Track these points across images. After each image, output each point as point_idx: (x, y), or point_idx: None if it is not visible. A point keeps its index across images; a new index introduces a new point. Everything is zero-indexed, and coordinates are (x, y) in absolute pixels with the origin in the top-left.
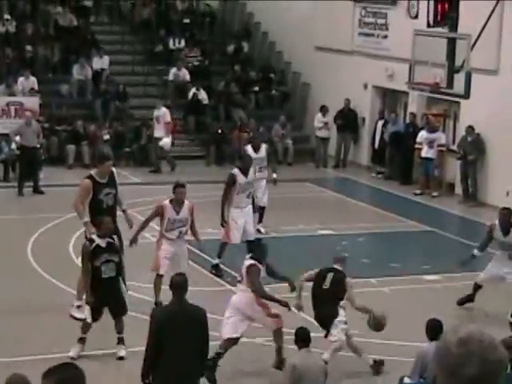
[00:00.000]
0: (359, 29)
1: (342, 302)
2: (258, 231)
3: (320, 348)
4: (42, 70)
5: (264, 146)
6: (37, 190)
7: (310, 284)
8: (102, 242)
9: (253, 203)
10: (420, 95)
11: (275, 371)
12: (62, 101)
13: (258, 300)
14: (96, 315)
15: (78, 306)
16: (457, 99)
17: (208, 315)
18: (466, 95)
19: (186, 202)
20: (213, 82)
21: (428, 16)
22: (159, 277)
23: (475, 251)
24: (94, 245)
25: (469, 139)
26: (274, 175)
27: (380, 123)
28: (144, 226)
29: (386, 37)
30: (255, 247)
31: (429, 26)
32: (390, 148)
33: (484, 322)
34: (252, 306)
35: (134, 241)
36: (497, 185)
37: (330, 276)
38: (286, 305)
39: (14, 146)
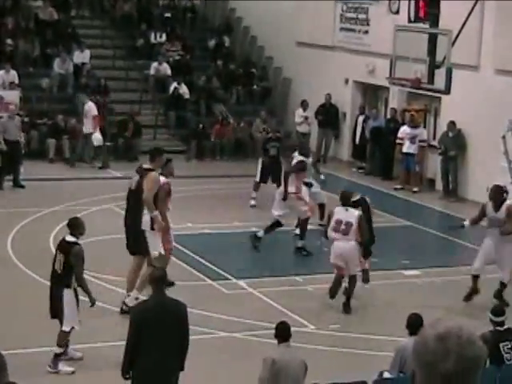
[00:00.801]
0: (340, 24)
1: None
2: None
3: (300, 343)
4: (22, 64)
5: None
6: (17, 184)
7: None
8: None
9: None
10: (401, 91)
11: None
12: (43, 95)
13: None
14: None
15: (136, 298)
16: (438, 95)
17: (189, 310)
18: (447, 91)
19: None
20: (194, 76)
21: (409, 11)
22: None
23: (466, 222)
24: None
25: (450, 135)
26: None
27: (361, 118)
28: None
29: (367, 32)
30: None
31: (410, 21)
32: (370, 143)
33: (465, 316)
34: None
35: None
36: (477, 180)
37: None
38: None
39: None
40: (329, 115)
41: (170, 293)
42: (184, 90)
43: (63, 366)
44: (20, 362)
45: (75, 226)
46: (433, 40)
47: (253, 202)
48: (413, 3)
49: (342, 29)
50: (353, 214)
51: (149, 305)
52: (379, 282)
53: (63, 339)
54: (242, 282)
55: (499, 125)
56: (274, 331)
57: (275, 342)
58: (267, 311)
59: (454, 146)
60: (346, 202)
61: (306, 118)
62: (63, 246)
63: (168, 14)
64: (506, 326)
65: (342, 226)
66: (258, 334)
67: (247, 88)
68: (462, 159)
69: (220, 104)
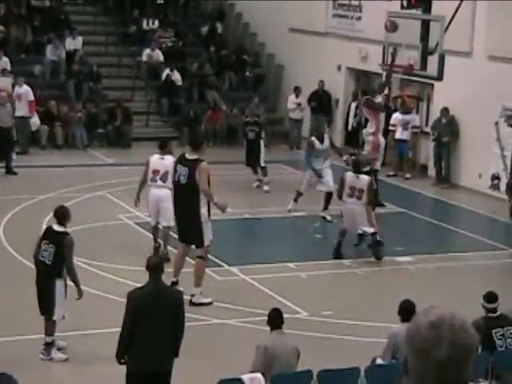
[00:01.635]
0: (333, 10)
1: None
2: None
3: (293, 330)
4: (14, 51)
5: (326, 136)
6: (9, 171)
7: None
8: None
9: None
10: (393, 77)
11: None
12: (35, 81)
13: None
14: None
15: (201, 292)
16: (430, 81)
17: (186, 297)
18: (440, 77)
19: None
20: (186, 63)
21: None
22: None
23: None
24: None
25: (443, 121)
26: (344, 157)
27: (353, 105)
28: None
29: (359, 18)
30: None
31: (402, 7)
32: (363, 130)
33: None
34: None
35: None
36: (470, 167)
37: None
38: None
39: None
40: (321, 102)
41: (166, 279)
42: (176, 76)
43: (56, 354)
44: (14, 351)
45: (63, 215)
46: (425, 26)
47: (266, 188)
48: None
49: (334, 15)
50: (363, 182)
51: (145, 291)
52: (372, 269)
53: (54, 329)
54: (234, 269)
55: (492, 111)
56: (266, 318)
57: (268, 328)
58: (260, 298)
59: (447, 132)
60: (357, 169)
61: (299, 104)
62: (53, 237)
63: (160, 1)
64: (498, 313)
65: (356, 193)
66: (251, 320)
67: (240, 75)
68: (455, 145)
69: (213, 90)
